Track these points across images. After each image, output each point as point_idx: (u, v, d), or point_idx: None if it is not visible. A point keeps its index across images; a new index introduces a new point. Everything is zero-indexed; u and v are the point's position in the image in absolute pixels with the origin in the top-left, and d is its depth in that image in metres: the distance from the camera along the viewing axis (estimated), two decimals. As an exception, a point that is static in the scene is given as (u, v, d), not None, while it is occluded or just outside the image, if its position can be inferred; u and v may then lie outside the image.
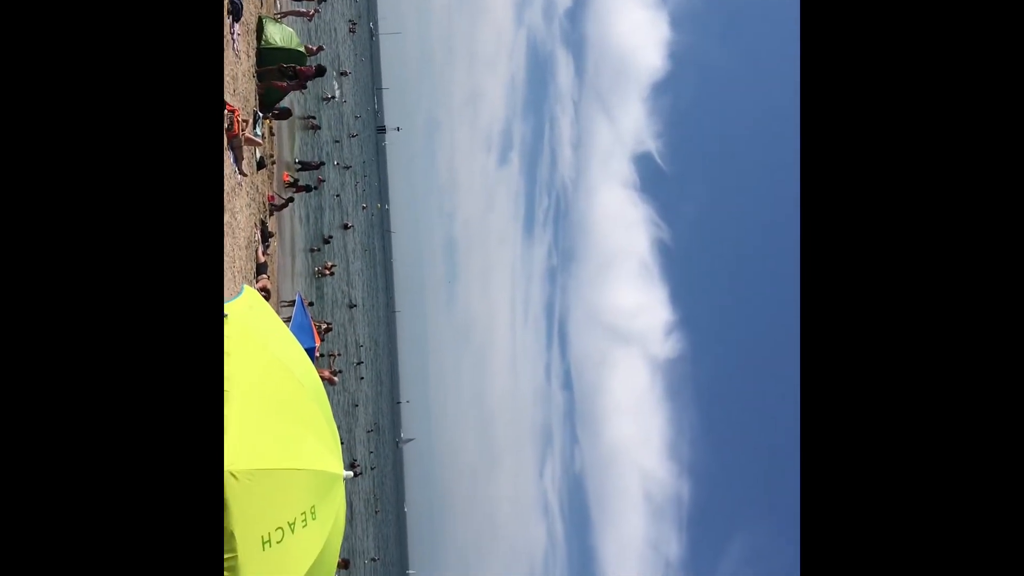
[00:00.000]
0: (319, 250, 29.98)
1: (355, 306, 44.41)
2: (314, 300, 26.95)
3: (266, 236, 16.02)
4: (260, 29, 15.88)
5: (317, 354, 18.25)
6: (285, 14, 21.14)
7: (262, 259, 15.33)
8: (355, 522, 36.23)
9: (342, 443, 5.43)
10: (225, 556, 3.89)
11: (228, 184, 13.02)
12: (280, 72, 15.89)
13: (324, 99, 35.81)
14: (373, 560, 47.53)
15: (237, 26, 13.91)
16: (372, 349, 56.90)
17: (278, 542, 4.17)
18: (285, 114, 18.47)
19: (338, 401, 31.64)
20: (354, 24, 58.52)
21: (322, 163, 29.23)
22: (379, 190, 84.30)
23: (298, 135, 26.98)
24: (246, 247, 14.24)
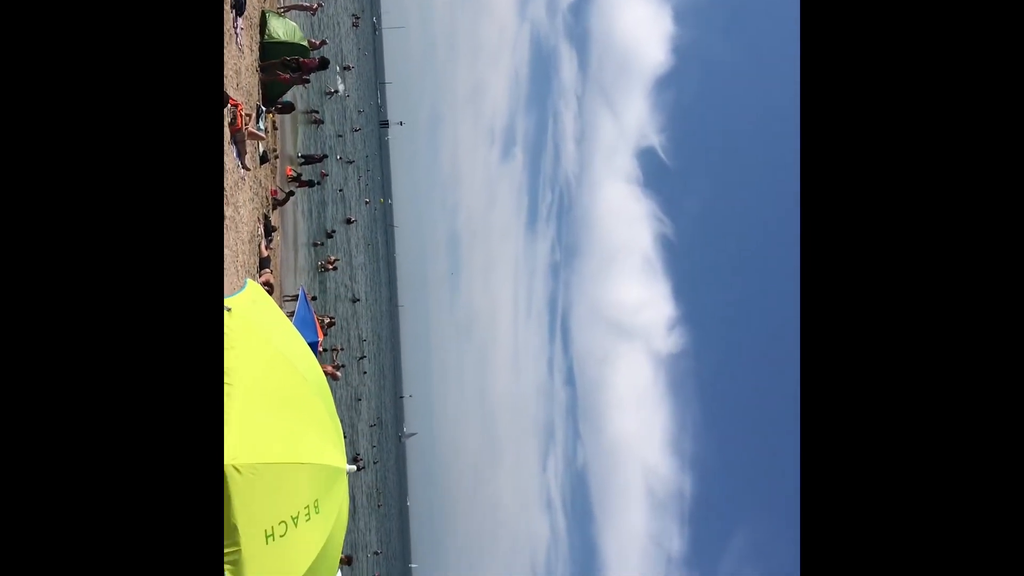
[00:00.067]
0: (322, 244, 30.00)
1: (358, 300, 44.46)
2: (317, 294, 26.96)
3: (269, 230, 16.03)
4: (263, 23, 15.87)
5: (320, 349, 18.28)
6: (288, 8, 21.11)
7: (265, 253, 15.34)
8: (358, 516, 36.32)
9: (345, 437, 5.45)
10: (228, 550, 3.90)
11: (231, 178, 13.02)
12: (283, 65, 15.89)
13: (327, 94, 35.79)
14: (376, 554, 47.67)
15: (240, 20, 13.90)
16: (375, 343, 56.97)
17: (281, 536, 4.18)
18: (288, 108, 18.47)
19: (341, 395, 31.69)
20: (357, 18, 58.46)
21: (325, 156, 29.21)
22: (382, 185, 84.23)
23: (301, 130, 26.97)
24: (249, 241, 14.26)
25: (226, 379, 4.09)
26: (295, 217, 24.25)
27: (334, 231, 33.03)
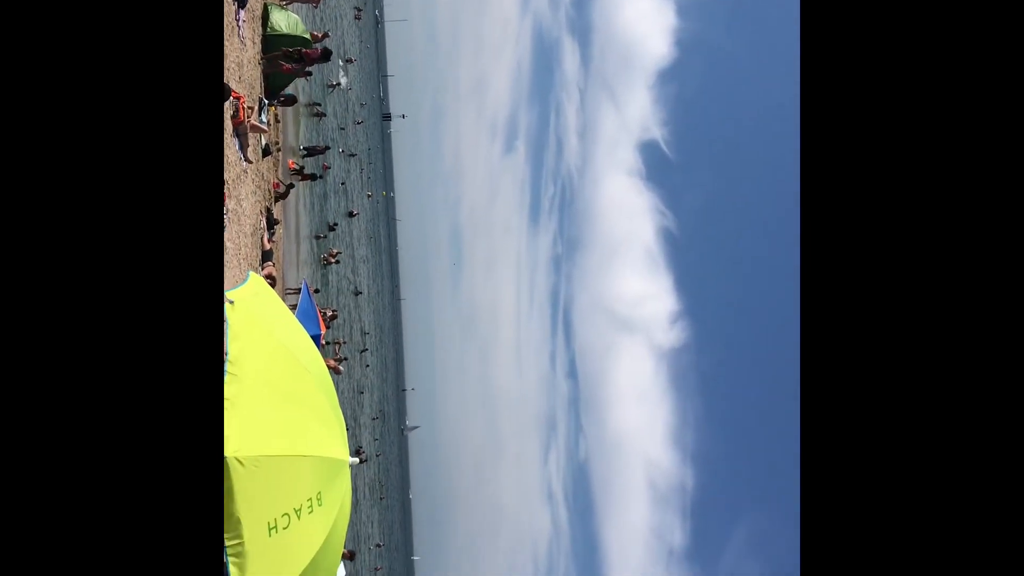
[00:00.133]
0: (324, 237, 29.99)
1: (360, 293, 44.47)
2: (319, 287, 26.97)
3: (272, 223, 16.03)
4: (266, 16, 15.85)
5: (323, 342, 18.31)
6: (291, 1, 21.06)
7: (268, 246, 15.34)
8: (360, 508, 36.41)
9: (347, 430, 5.46)
10: (232, 542, 3.92)
11: (234, 171, 13.02)
12: (285, 55, 15.88)
13: (329, 86, 35.73)
14: (378, 546, 47.76)
15: (242, 13, 13.88)
16: (377, 336, 57.02)
17: (284, 528, 4.20)
18: (290, 101, 18.45)
19: (343, 388, 31.72)
20: (360, 11, 58.31)
21: (328, 147, 29.19)
22: (384, 178, 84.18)
23: (303, 123, 26.95)
24: (252, 234, 14.26)
25: (230, 369, 4.10)
26: (297, 210, 24.24)
27: (336, 224, 33.02)
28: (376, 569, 44.83)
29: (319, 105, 30.70)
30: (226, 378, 4.10)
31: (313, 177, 24.72)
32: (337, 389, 6.03)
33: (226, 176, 12.13)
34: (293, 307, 14.71)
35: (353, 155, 45.21)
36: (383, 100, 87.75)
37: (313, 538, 4.51)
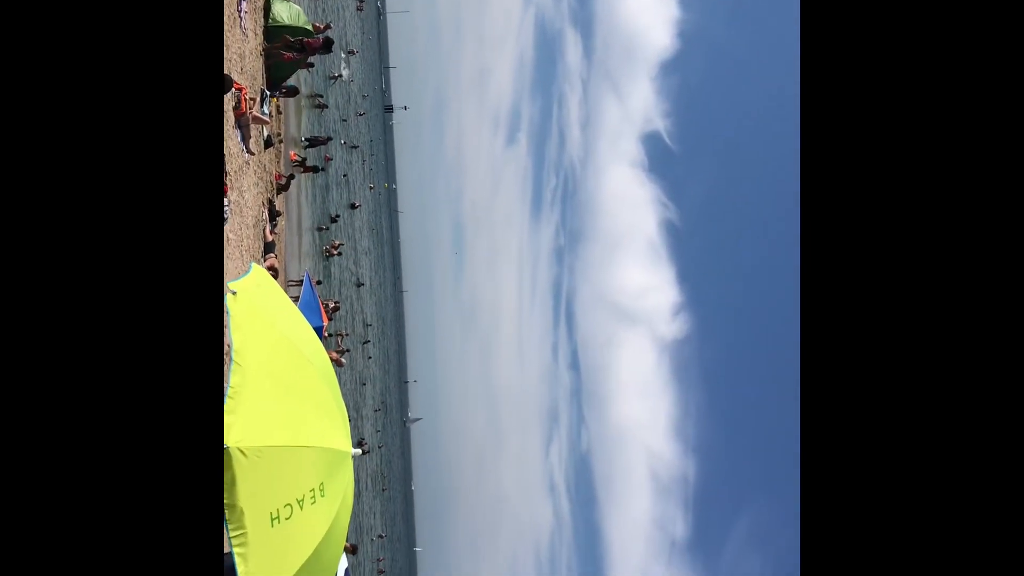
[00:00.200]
0: (326, 229, 29.99)
1: (362, 285, 44.47)
2: (322, 279, 26.98)
3: (274, 215, 16.03)
4: (267, 7, 15.83)
5: (325, 333, 18.32)
6: (292, -8, 20.97)
7: (270, 238, 15.34)
8: (363, 500, 36.50)
9: (350, 421, 5.46)
10: (234, 532, 3.93)
11: (236, 163, 13.01)
12: (287, 44, 15.88)
13: (331, 78, 35.66)
14: (380, 537, 47.90)
15: (244, 4, 13.85)
16: (380, 328, 57.05)
17: (287, 518, 4.21)
18: (292, 92, 18.44)
19: (345, 380, 31.76)
20: (362, 3, 58.13)
21: (330, 138, 29.16)
22: (386, 169, 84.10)
23: (305, 114, 26.91)
24: (254, 226, 14.26)
25: (235, 358, 4.10)
26: (299, 202, 24.23)
27: (338, 216, 33.01)
28: (378, 560, 44.97)
29: (321, 96, 30.65)
30: (231, 367, 4.11)
31: (315, 169, 24.71)
32: (339, 381, 6.03)
33: (228, 168, 12.13)
34: (295, 299, 14.72)
35: (355, 147, 45.15)
36: (385, 92, 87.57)
37: (316, 529, 4.52)
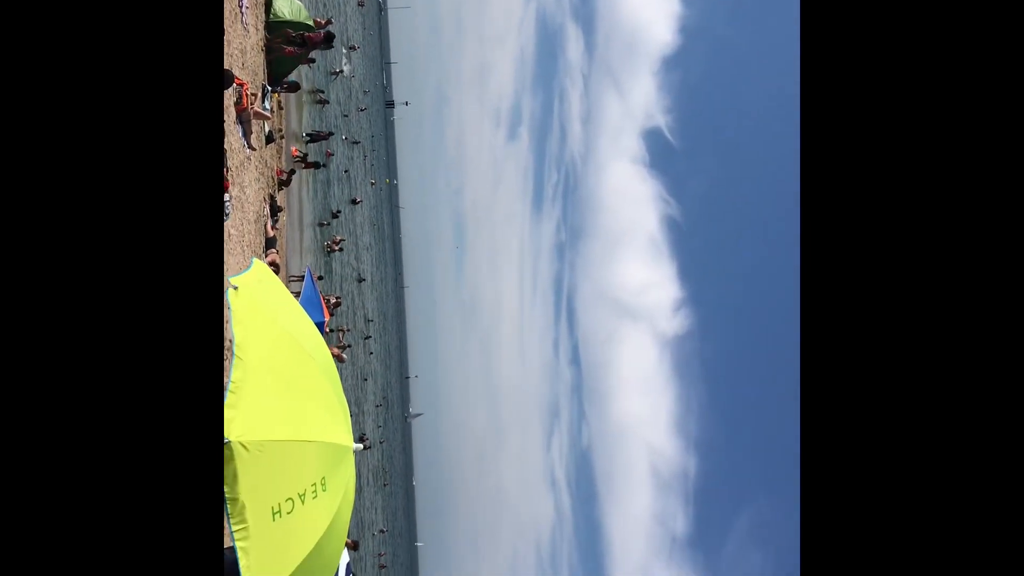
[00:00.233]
0: (328, 224, 29.98)
1: (364, 281, 44.48)
2: (323, 274, 26.99)
3: (275, 210, 16.03)
4: (268, 3, 15.81)
5: (327, 329, 18.32)
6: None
7: (271, 233, 15.35)
8: (364, 495, 36.55)
9: (351, 417, 5.47)
10: (236, 526, 3.94)
11: (237, 158, 13.01)
12: (288, 38, 15.87)
13: (332, 73, 35.64)
14: (381, 531, 47.99)
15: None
16: (381, 323, 57.07)
17: (288, 512, 4.22)
18: (294, 88, 18.41)
19: (347, 375, 31.78)
20: (363, -3, 58.05)
21: (331, 133, 29.15)
22: (387, 165, 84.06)
23: (306, 110, 26.90)
24: (255, 222, 14.26)
25: (237, 352, 4.11)
26: (301, 197, 24.23)
27: (339, 211, 33.01)
28: (380, 555, 45.04)
29: (322, 92, 30.63)
30: (232, 362, 4.12)
31: (316, 165, 24.71)
32: (341, 376, 6.04)
33: (229, 163, 12.12)
34: (297, 294, 14.72)
35: (356, 142, 45.13)
36: (386, 87, 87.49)
37: (317, 523, 4.53)
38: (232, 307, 4.26)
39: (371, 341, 46.57)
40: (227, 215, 11.79)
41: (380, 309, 58.01)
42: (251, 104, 13.41)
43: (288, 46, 15.90)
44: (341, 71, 38.81)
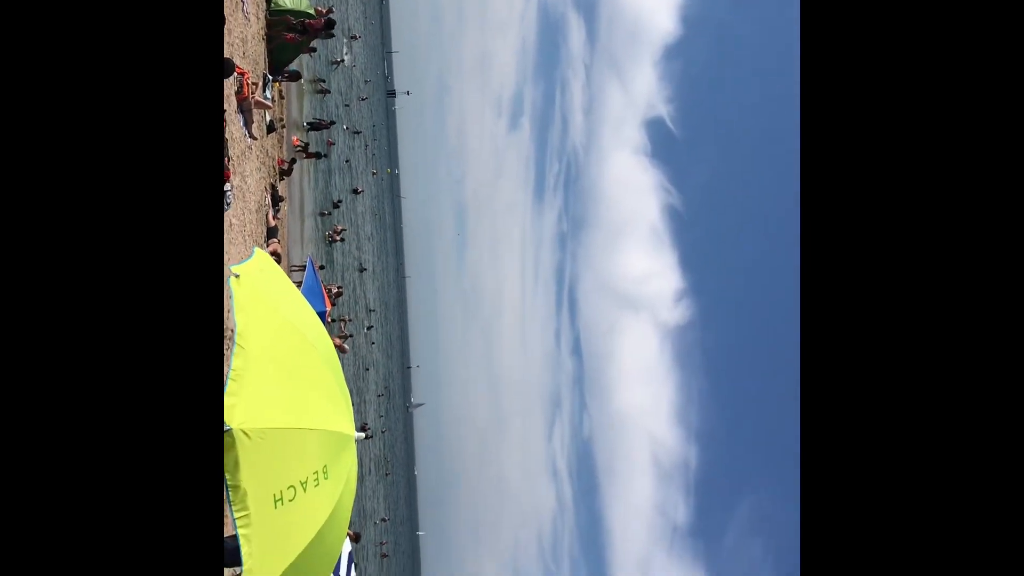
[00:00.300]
0: (329, 214, 29.97)
1: (365, 270, 44.49)
2: (324, 264, 27.00)
3: (276, 200, 16.02)
4: (269, -9, 15.77)
5: (328, 318, 18.34)
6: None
7: (272, 223, 15.34)
8: (366, 484, 36.66)
9: (353, 406, 5.48)
10: (238, 514, 3.95)
11: (238, 148, 12.99)
12: (288, 26, 15.84)
13: (333, 63, 35.55)
14: (383, 520, 48.17)
15: (246, -12, 13.78)
16: (382, 313, 57.11)
17: (290, 500, 4.23)
18: (295, 77, 18.38)
19: (348, 365, 31.82)
20: (364, -14, 57.80)
21: (332, 122, 29.09)
22: (389, 155, 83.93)
23: (307, 99, 26.85)
24: (256, 211, 14.26)
25: (238, 341, 4.11)
26: (302, 187, 24.21)
27: (341, 201, 32.99)
28: (381, 544, 45.23)
29: (323, 81, 30.57)
30: (233, 350, 4.12)
31: (318, 154, 24.68)
32: (342, 366, 6.05)
33: (231, 153, 12.11)
34: (298, 284, 14.73)
35: (358, 132, 45.05)
36: (387, 77, 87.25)
37: (319, 511, 4.54)
38: (234, 295, 4.26)
39: (373, 331, 46.62)
40: (228, 205, 11.78)
41: (382, 299, 58.04)
42: (252, 93, 13.39)
43: (288, 33, 15.87)
44: (342, 60, 38.71)
